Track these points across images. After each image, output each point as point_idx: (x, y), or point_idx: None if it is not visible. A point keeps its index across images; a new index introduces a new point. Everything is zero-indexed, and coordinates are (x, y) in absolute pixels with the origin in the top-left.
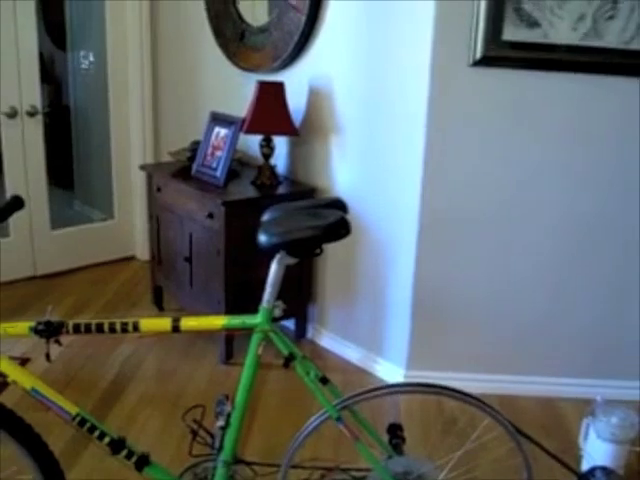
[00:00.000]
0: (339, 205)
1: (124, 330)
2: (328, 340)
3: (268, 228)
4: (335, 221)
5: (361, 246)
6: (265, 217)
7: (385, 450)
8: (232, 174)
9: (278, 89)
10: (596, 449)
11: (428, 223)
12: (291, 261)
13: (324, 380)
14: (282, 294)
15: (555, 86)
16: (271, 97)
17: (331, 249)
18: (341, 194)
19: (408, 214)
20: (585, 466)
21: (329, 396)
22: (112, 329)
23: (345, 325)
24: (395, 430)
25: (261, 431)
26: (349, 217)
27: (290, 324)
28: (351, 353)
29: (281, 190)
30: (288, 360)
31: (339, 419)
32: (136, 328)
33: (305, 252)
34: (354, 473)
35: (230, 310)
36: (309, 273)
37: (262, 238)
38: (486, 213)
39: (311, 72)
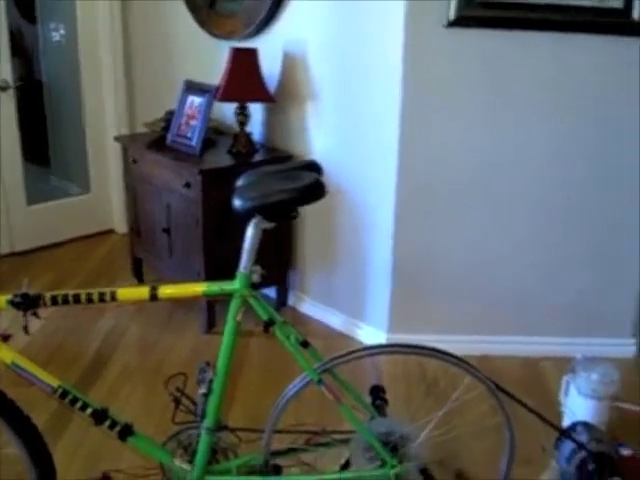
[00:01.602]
0: (314, 167)
1: (102, 300)
2: (309, 307)
3: (243, 193)
4: (310, 183)
5: (340, 212)
6: (240, 182)
7: (368, 412)
8: (208, 143)
9: (251, 55)
10: (577, 405)
11: (406, 188)
12: (267, 225)
13: (305, 344)
14: (262, 262)
15: (530, 45)
16: (245, 64)
17: (310, 216)
18: (318, 160)
19: (386, 179)
20: (566, 422)
21: (310, 360)
22: (89, 299)
23: (326, 291)
24: (377, 392)
25: (245, 397)
26: (325, 179)
27: (271, 292)
28: (333, 319)
29: (258, 157)
30: (268, 325)
31: (320, 382)
32: (114, 298)
33: (281, 215)
34: (338, 436)
35: (210, 279)
36: (288, 240)
37: (237, 203)
38: (465, 177)
39: (285, 37)
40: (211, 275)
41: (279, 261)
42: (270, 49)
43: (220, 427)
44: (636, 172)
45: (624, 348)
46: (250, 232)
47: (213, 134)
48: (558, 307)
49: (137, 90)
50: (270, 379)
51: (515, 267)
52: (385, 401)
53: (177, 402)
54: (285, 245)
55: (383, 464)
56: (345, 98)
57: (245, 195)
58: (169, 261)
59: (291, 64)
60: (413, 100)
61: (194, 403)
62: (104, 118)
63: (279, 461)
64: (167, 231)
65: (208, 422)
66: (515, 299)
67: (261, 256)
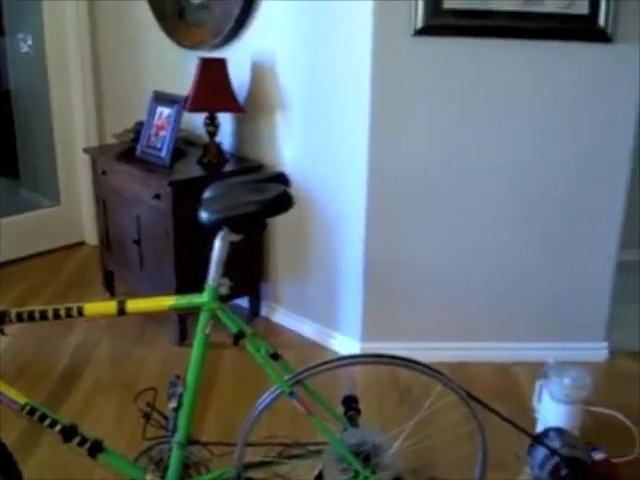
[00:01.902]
0: (282, 179)
1: (69, 315)
2: (282, 317)
3: (209, 205)
4: (277, 195)
5: (311, 221)
6: (206, 194)
7: (340, 423)
8: (178, 154)
9: (220, 65)
10: (550, 411)
11: (377, 196)
12: (235, 238)
13: (275, 356)
14: (233, 273)
15: (498, 53)
16: (213, 74)
17: (281, 225)
18: (288, 169)
19: (357, 187)
20: (539, 428)
21: (282, 372)
22: (56, 315)
23: (299, 301)
24: (350, 402)
25: (219, 410)
26: (293, 190)
27: (244, 303)
28: (306, 329)
29: (228, 168)
30: (237, 338)
31: (292, 394)
32: (81, 313)
33: (248, 227)
34: (311, 447)
35: (181, 291)
36: (260, 251)
37: (203, 215)
38: (434, 184)
39: (254, 47)
40: (183, 287)
41: (251, 272)
42: (239, 59)
43: (191, 441)
44: (611, 176)
45: (597, 352)
46: (217, 245)
47: (183, 145)
48: (531, 312)
49: (106, 101)
50: (244, 391)
51: (487, 272)
52: (358, 411)
53: (147, 417)
54: (257, 256)
55: (356, 475)
56: (314, 108)
57: (211, 207)
58: (140, 273)
59: (260, 74)
60: (382, 109)
61: (165, 418)
62: (73, 130)
63: (253, 474)
64: (138, 243)
65: (179, 437)
66: (488, 304)
67: (232, 267)
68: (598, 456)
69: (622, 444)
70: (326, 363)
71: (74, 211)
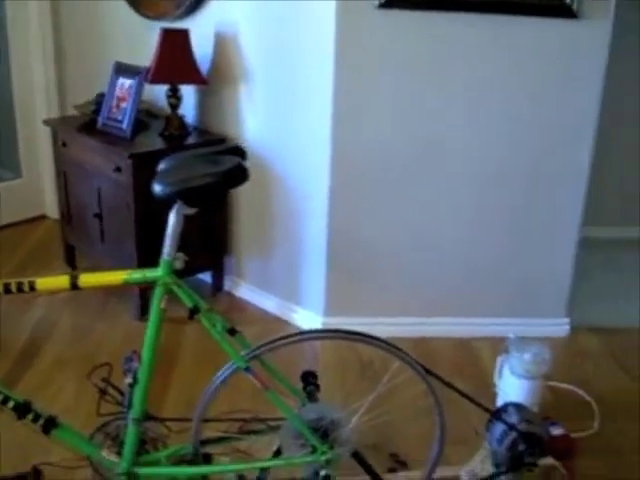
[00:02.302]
0: (238, 152)
1: (20, 290)
2: (246, 291)
3: (163, 177)
4: (231, 167)
5: (274, 195)
6: (161, 166)
7: (299, 398)
8: (141, 126)
9: (182, 36)
10: (510, 386)
11: (340, 170)
12: (189, 211)
13: (232, 331)
14: (195, 247)
15: (462, 27)
16: (175, 45)
17: (245, 199)
18: (251, 142)
19: (319, 163)
20: (500, 403)
21: (239, 347)
22: (7, 290)
23: (262, 276)
24: (308, 377)
25: (180, 386)
26: (257, 164)
27: (207, 277)
28: (269, 303)
29: (190, 140)
30: (193, 312)
31: (247, 369)
32: (33, 288)
33: (202, 200)
34: (271, 423)
35: (142, 265)
36: (223, 225)
37: (157, 188)
38: (399, 158)
39: (217, 18)
40: (144, 260)
41: (213, 246)
42: (203, 30)
43: (148, 417)
44: (574, 153)
45: (558, 328)
46: (172, 218)
47: (146, 117)
48: (493, 287)
49: (68, 72)
50: (206, 366)
51: (449, 249)
52: (317, 386)
53: (103, 393)
54: (219, 229)
55: (314, 450)
56: (278, 81)
57: (165, 180)
58: (101, 247)
59: (224, 45)
60: (346, 82)
61: (121, 393)
62: (34, 101)
63: (211, 449)
64: (99, 216)
65: (134, 412)
66: (450, 280)
67: (194, 241)
68: (557, 431)
69: (582, 419)
70: (283, 338)
71: (35, 184)
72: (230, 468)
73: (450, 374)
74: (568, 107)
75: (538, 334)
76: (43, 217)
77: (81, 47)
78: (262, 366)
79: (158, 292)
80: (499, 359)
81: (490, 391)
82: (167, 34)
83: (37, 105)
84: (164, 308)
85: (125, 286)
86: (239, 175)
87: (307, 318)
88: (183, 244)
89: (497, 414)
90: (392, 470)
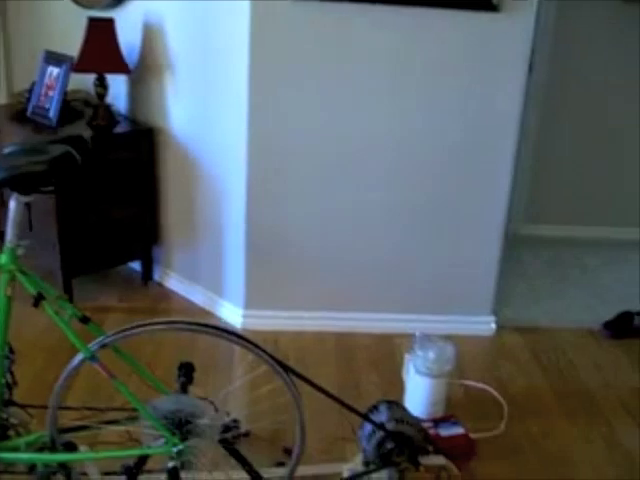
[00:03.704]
0: (78, 142)
1: None
2: (175, 282)
3: None
4: (57, 155)
5: (199, 185)
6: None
7: (158, 388)
8: (74, 115)
9: (108, 25)
10: (416, 384)
11: (258, 163)
12: (26, 199)
13: (85, 320)
14: (124, 235)
15: (378, 20)
16: (101, 34)
17: (172, 189)
18: (177, 133)
19: (237, 154)
20: (406, 400)
21: (93, 336)
22: None
23: (190, 267)
24: (183, 369)
25: (42, 373)
26: (179, 153)
27: (137, 266)
28: (196, 295)
29: (118, 130)
30: (37, 300)
31: (93, 358)
32: None
33: (30, 188)
34: (129, 413)
35: (66, 254)
36: (152, 214)
37: None
38: (315, 151)
39: (145, 8)
40: (67, 247)
41: (142, 235)
42: (132, 19)
43: (7, 402)
44: (498, 148)
45: (483, 326)
46: (12, 205)
47: (81, 105)
48: (417, 284)
49: (14, 60)
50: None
51: (372, 243)
52: (190, 378)
53: None
54: (149, 219)
55: (166, 441)
56: (199, 71)
57: None
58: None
59: (150, 35)
60: (260, 74)
61: None
62: None
63: (73, 438)
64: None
65: None
66: (373, 276)
67: (123, 230)
68: (456, 430)
69: (490, 419)
70: (129, 329)
71: None
72: (87, 456)
73: (365, 369)
74: (490, 103)
75: (463, 332)
76: None
77: (25, 37)
78: (118, 356)
79: (3, 279)
80: (406, 356)
81: (402, 387)
82: (93, 23)
83: None
84: (10, 295)
85: None
86: (64, 163)
87: (230, 311)
88: (111, 232)
89: (364, 414)
90: (280, 464)
